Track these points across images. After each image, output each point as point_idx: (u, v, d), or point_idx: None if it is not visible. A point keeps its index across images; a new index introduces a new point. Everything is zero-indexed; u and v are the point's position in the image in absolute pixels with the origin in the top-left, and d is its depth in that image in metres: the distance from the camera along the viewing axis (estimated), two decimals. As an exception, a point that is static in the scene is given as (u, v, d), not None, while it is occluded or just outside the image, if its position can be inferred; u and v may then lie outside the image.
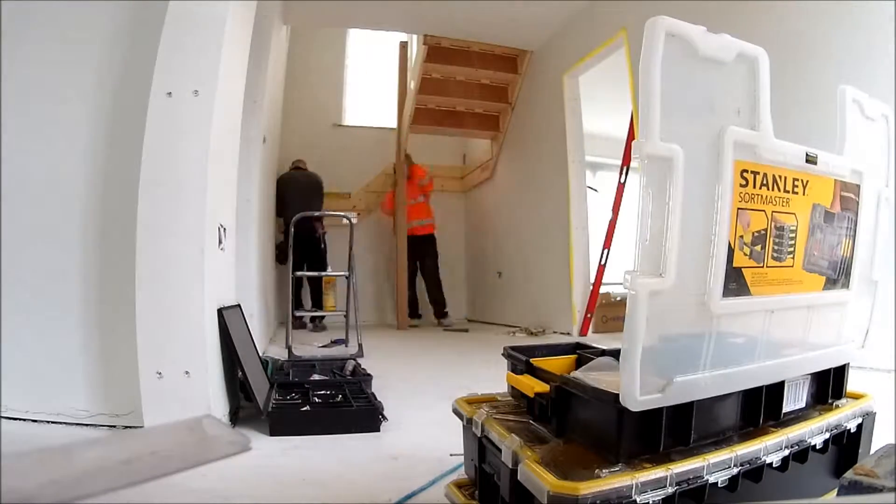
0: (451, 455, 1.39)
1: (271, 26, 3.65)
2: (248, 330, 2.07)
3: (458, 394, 1.08)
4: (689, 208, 0.70)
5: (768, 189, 0.80)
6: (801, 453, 0.85)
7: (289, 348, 3.27)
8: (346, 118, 6.92)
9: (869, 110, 0.96)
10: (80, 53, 1.84)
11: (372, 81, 6.95)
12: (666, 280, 0.68)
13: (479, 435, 0.91)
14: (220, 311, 1.76)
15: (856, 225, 0.96)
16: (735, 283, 0.77)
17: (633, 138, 3.71)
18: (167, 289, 1.64)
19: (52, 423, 1.68)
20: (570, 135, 4.68)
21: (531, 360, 0.98)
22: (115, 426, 1.68)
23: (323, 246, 5.26)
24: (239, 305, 2.07)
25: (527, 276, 5.46)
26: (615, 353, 0.93)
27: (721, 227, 0.74)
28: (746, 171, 0.77)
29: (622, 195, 4.41)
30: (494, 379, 2.83)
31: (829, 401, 0.99)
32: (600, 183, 6.78)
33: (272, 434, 1.65)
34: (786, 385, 0.88)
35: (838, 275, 0.95)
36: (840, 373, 1.01)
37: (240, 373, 1.81)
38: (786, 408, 0.89)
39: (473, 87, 5.68)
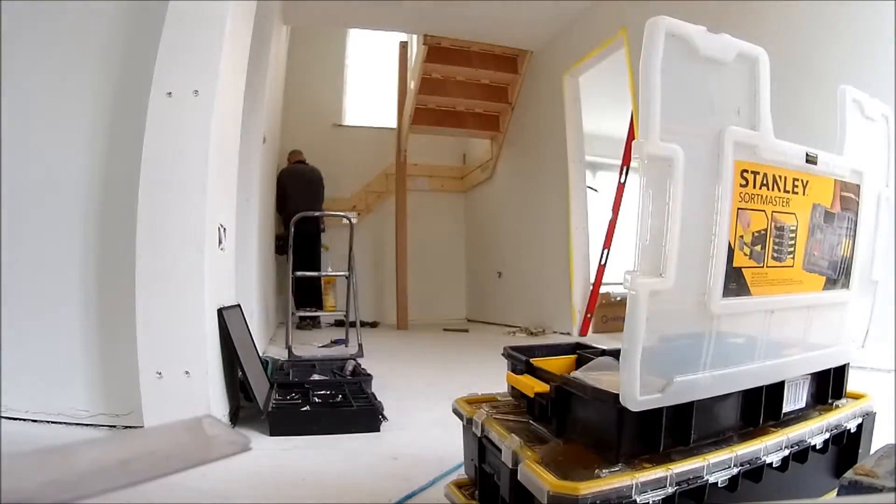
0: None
1: (271, 26, 3.65)
2: (248, 330, 2.07)
3: (458, 394, 1.08)
4: (689, 208, 0.70)
5: (768, 189, 0.80)
6: (801, 453, 0.85)
7: (289, 348, 3.27)
8: (346, 118, 6.93)
9: (869, 110, 0.96)
10: (80, 53, 1.84)
11: (372, 81, 6.96)
12: (666, 280, 0.68)
13: (479, 435, 0.91)
14: (220, 311, 1.76)
15: (856, 225, 0.96)
16: (735, 283, 0.77)
17: (633, 138, 3.72)
18: (167, 289, 1.64)
19: (52, 423, 1.68)
20: (570, 135, 4.68)
21: (531, 360, 0.98)
22: (115, 426, 1.68)
23: (318, 241, 5.25)
24: (239, 305, 2.07)
25: (527, 276, 5.46)
26: (615, 353, 0.93)
27: (721, 228, 0.74)
28: (746, 171, 0.77)
29: (622, 195, 4.43)
30: (494, 379, 2.83)
31: (829, 401, 0.98)
32: (600, 183, 6.79)
33: (272, 434, 1.65)
34: (786, 385, 0.88)
35: (838, 275, 0.95)
36: (840, 373, 1.00)
37: (240, 373, 1.81)
38: (786, 408, 0.89)
39: (473, 87, 5.68)
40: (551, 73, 4.95)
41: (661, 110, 0.67)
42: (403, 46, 5.98)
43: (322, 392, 2.01)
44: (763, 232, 0.80)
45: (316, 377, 2.28)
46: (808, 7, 2.49)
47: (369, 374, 2.29)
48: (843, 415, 0.95)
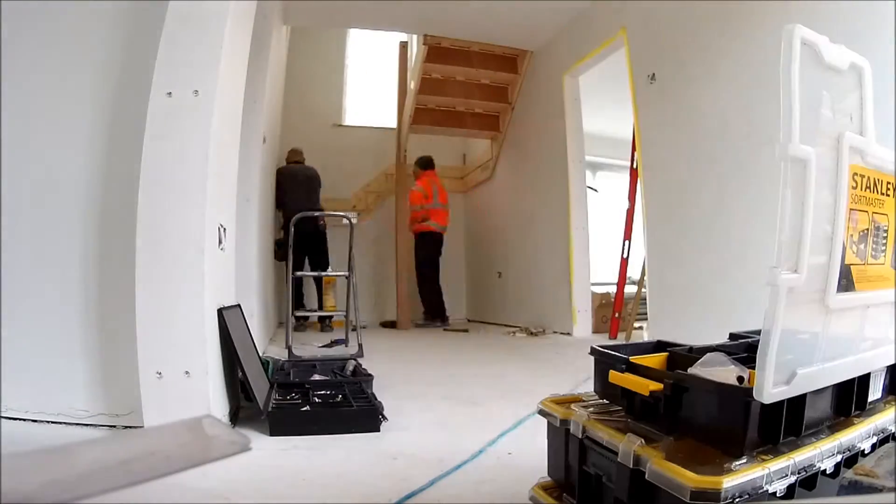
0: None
1: (271, 26, 3.65)
2: (248, 330, 2.07)
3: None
4: (816, 208, 0.75)
5: (871, 191, 0.87)
6: (883, 440, 0.90)
7: (289, 348, 3.27)
8: (346, 118, 6.93)
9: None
10: (80, 53, 1.84)
11: (372, 81, 6.96)
12: (801, 276, 0.73)
13: (580, 436, 0.92)
14: (220, 311, 1.76)
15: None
16: (845, 279, 0.82)
17: (638, 127, 3.71)
18: (167, 289, 1.64)
19: (52, 423, 1.68)
20: (570, 135, 4.68)
21: (630, 358, 1.00)
22: (115, 426, 1.68)
23: (324, 240, 5.24)
24: (239, 305, 2.07)
25: (527, 276, 5.46)
26: (702, 350, 1.00)
27: (839, 227, 0.80)
28: (857, 174, 0.84)
29: (637, 182, 4.03)
30: (495, 379, 2.83)
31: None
32: (600, 183, 6.79)
33: (272, 434, 1.65)
34: (871, 376, 0.93)
35: None
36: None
37: (240, 373, 1.81)
38: (870, 398, 0.94)
39: (473, 87, 5.68)
40: (551, 73, 4.95)
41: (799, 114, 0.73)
42: (403, 46, 5.98)
43: (322, 392, 2.01)
44: (866, 231, 0.86)
45: (316, 377, 2.29)
46: (808, 7, 2.49)
47: (370, 375, 2.29)
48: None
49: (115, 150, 1.80)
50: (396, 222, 5.94)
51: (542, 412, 1.04)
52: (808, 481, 0.75)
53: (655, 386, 0.87)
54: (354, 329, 3.60)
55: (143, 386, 1.60)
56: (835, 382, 0.86)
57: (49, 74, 1.83)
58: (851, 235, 0.83)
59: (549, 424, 1.02)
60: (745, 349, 1.04)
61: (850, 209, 0.82)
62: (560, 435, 0.99)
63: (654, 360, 1.04)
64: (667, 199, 3.49)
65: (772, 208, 0.80)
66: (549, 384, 2.46)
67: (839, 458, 0.79)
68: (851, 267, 0.84)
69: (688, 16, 3.22)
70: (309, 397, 1.94)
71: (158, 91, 1.67)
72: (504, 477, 1.32)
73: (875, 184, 0.88)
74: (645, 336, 4.22)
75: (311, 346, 3.89)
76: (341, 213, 3.86)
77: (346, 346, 3.83)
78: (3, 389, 1.69)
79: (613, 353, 1.03)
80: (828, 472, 0.78)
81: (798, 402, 0.79)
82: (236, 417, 1.81)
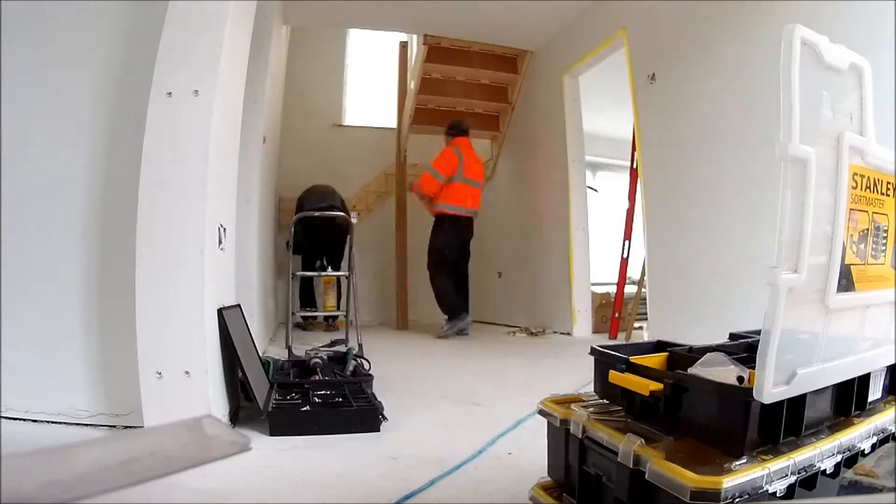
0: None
1: (271, 26, 3.65)
2: (248, 330, 2.07)
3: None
4: (816, 208, 0.75)
5: (871, 191, 0.87)
6: (883, 440, 0.91)
7: (289, 348, 3.27)
8: (346, 118, 6.92)
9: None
10: (80, 53, 1.84)
11: (372, 81, 6.95)
12: (801, 276, 0.74)
13: (580, 436, 0.92)
14: (220, 311, 1.76)
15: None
16: (845, 279, 0.82)
17: (638, 127, 3.72)
18: (167, 289, 1.64)
19: (52, 423, 1.68)
20: (570, 135, 4.68)
21: (630, 358, 1.00)
22: (115, 426, 1.69)
23: (342, 237, 4.81)
24: (239, 305, 2.07)
25: (527, 276, 5.46)
26: (702, 350, 1.00)
27: (839, 227, 0.80)
28: (857, 174, 0.84)
29: (637, 182, 4.02)
30: (495, 378, 2.83)
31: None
32: (600, 183, 6.79)
33: (272, 434, 1.65)
34: (871, 376, 0.94)
35: None
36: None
37: (240, 373, 1.81)
38: (870, 398, 0.95)
39: (473, 87, 5.68)
40: (551, 73, 4.95)
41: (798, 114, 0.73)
42: (403, 46, 5.97)
43: (322, 392, 2.01)
44: (866, 231, 0.87)
45: (317, 360, 2.29)
46: (808, 7, 2.49)
47: (370, 374, 2.29)
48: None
49: (115, 150, 1.80)
50: (397, 222, 5.94)
51: (542, 412, 1.04)
52: (808, 481, 0.76)
53: (655, 386, 0.87)
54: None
55: (143, 386, 1.60)
56: (835, 382, 0.86)
57: (49, 74, 1.83)
58: (851, 235, 0.83)
59: (549, 424, 1.02)
60: (745, 349, 1.05)
61: (850, 209, 0.83)
62: (560, 435, 0.99)
63: (654, 360, 1.04)
64: (667, 199, 3.49)
65: (771, 208, 0.80)
66: (548, 384, 2.46)
67: (839, 458, 0.79)
68: (851, 267, 0.84)
69: (688, 16, 3.22)
70: (309, 397, 1.94)
71: (158, 91, 1.67)
72: (504, 477, 1.32)
73: (875, 184, 0.88)
74: (645, 336, 4.22)
75: (311, 346, 3.88)
76: (341, 214, 3.85)
77: (346, 346, 3.83)
78: (3, 389, 1.69)
79: (613, 353, 1.03)
80: (828, 472, 0.78)
81: (798, 402, 0.79)
82: (236, 417, 1.81)
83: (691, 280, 3.24)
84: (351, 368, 2.39)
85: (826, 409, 0.88)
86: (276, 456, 1.50)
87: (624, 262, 4.38)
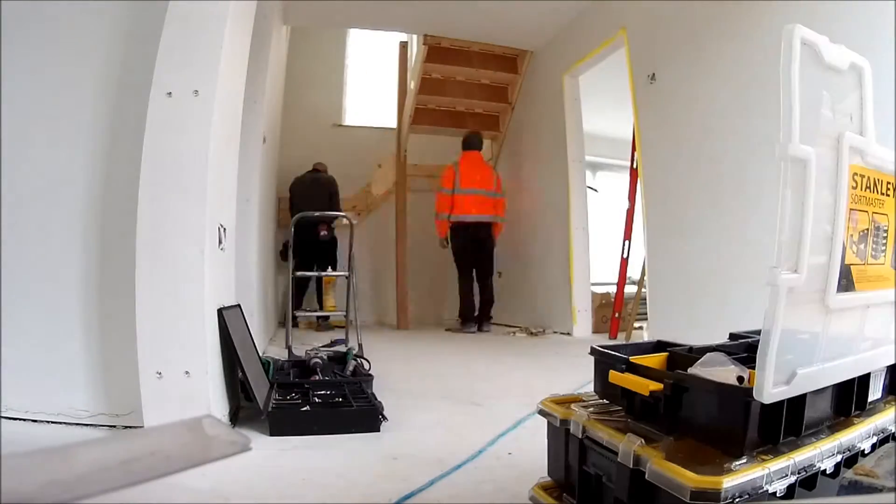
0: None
1: (271, 26, 3.65)
2: (248, 330, 2.07)
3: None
4: (816, 208, 0.76)
5: (870, 191, 0.87)
6: (883, 440, 0.91)
7: (289, 348, 3.27)
8: (346, 118, 6.92)
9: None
10: (80, 53, 1.84)
11: (372, 81, 6.95)
12: (801, 276, 0.74)
13: (580, 436, 0.92)
14: (220, 311, 1.76)
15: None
16: (845, 279, 0.83)
17: (638, 127, 3.71)
18: (167, 289, 1.64)
19: (52, 423, 1.68)
20: (570, 135, 4.68)
21: (630, 358, 1.00)
22: (115, 426, 1.69)
23: (332, 248, 5.05)
24: (239, 305, 2.07)
25: (527, 276, 5.46)
26: (702, 350, 1.00)
27: (839, 227, 0.80)
28: (857, 175, 0.84)
29: (637, 182, 4.05)
30: (495, 378, 2.83)
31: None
32: (600, 183, 6.79)
33: (272, 434, 1.65)
34: (871, 376, 0.94)
35: None
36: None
37: (240, 373, 1.81)
38: (870, 398, 0.95)
39: (473, 87, 5.68)
40: (551, 73, 4.95)
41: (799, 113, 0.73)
42: (403, 46, 5.97)
43: (322, 392, 2.01)
44: (866, 231, 0.87)
45: (318, 360, 2.29)
46: (808, 7, 2.49)
47: (370, 374, 2.29)
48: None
49: (115, 150, 1.80)
50: (397, 222, 5.93)
51: (542, 412, 1.04)
52: (808, 481, 0.76)
53: (655, 386, 0.87)
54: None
55: (143, 386, 1.60)
56: (835, 382, 0.86)
57: (49, 74, 1.83)
58: (851, 235, 0.84)
59: (549, 424, 1.02)
60: (745, 349, 1.05)
61: (850, 209, 0.83)
62: (560, 435, 0.99)
63: (654, 360, 1.04)
64: (667, 199, 3.49)
65: (771, 208, 0.80)
66: (549, 384, 2.46)
67: (839, 458, 0.79)
68: (851, 267, 0.84)
69: (688, 16, 3.22)
70: (309, 397, 1.94)
71: (158, 91, 1.67)
72: (504, 477, 1.32)
73: (875, 184, 0.88)
74: (645, 336, 4.22)
75: (311, 346, 3.89)
76: (341, 214, 3.85)
77: (346, 346, 3.83)
78: (3, 389, 1.69)
79: (613, 353, 1.03)
80: (828, 472, 0.78)
81: (798, 402, 0.79)
82: (236, 417, 1.81)
83: (691, 280, 3.24)
84: (351, 368, 2.39)
85: (826, 409, 0.88)
86: (276, 456, 1.50)
87: (624, 262, 4.38)
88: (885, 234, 0.92)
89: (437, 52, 5.17)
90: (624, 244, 4.38)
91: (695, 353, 1.00)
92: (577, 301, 4.54)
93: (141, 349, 1.60)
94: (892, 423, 0.92)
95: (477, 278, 5.10)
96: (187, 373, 1.61)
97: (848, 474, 0.80)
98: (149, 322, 1.62)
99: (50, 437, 1.57)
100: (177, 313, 1.64)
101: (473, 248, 5.02)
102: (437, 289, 6.67)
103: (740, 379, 0.84)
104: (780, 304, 0.72)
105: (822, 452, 0.77)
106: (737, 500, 0.67)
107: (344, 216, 3.68)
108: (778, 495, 0.72)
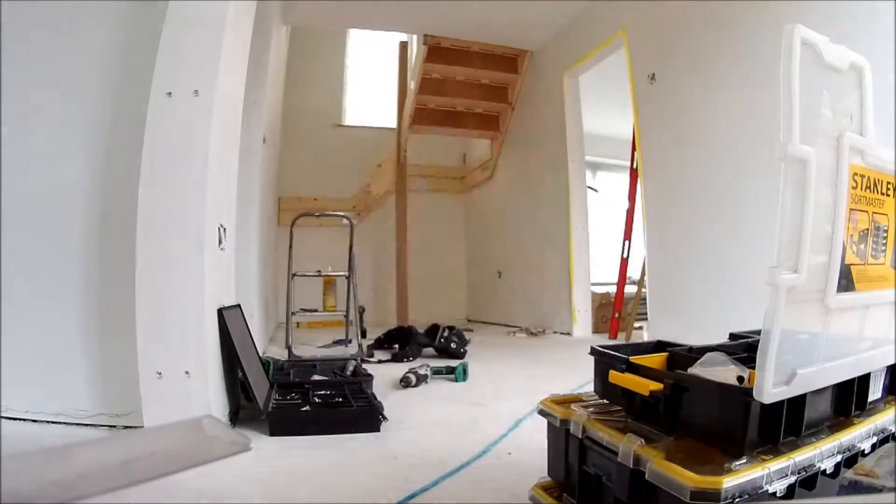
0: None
1: (271, 26, 3.65)
2: (248, 330, 2.07)
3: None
4: (816, 207, 0.75)
5: (871, 191, 0.87)
6: (884, 440, 0.91)
7: (289, 348, 3.27)
8: (346, 118, 6.92)
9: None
10: (80, 53, 1.84)
11: (372, 81, 6.95)
12: (801, 276, 0.73)
13: (580, 436, 0.92)
14: (220, 311, 1.76)
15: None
16: (845, 279, 0.83)
17: (638, 127, 3.71)
18: (167, 289, 1.64)
19: (52, 423, 1.68)
20: (570, 135, 4.68)
21: (630, 358, 1.00)
22: (115, 426, 1.68)
23: None
24: (239, 305, 2.07)
25: (527, 276, 5.46)
26: (702, 350, 1.00)
27: (839, 227, 0.80)
28: (857, 174, 0.84)
29: (637, 182, 4.04)
30: (495, 378, 2.83)
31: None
32: (600, 183, 6.79)
33: (272, 434, 1.65)
34: (871, 376, 0.93)
35: None
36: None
37: (240, 373, 1.81)
38: (870, 398, 0.94)
39: (473, 87, 5.68)
40: (551, 73, 4.95)
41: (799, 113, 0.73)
42: (403, 46, 5.97)
43: (322, 392, 2.01)
44: (866, 231, 0.87)
45: (316, 377, 2.28)
46: (808, 7, 2.49)
47: (370, 375, 2.29)
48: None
49: (115, 150, 1.80)
50: (397, 222, 5.94)
51: (542, 412, 1.04)
52: (808, 481, 0.76)
53: (655, 386, 0.87)
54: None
55: (143, 386, 1.60)
56: (835, 382, 0.86)
57: (49, 74, 1.83)
58: (851, 235, 0.83)
59: (549, 424, 1.02)
60: (745, 349, 1.05)
61: (850, 209, 0.82)
62: (560, 435, 0.99)
63: (654, 360, 1.04)
64: (667, 199, 3.49)
65: (771, 208, 0.80)
66: (548, 384, 2.46)
67: (839, 458, 0.79)
68: (851, 267, 0.84)
69: (688, 16, 3.22)
70: (309, 397, 1.94)
71: (158, 91, 1.68)
72: (504, 477, 1.32)
73: (875, 184, 0.88)
74: (645, 336, 4.22)
75: (311, 346, 3.89)
76: (340, 214, 3.86)
77: (347, 346, 3.83)
78: (3, 389, 1.69)
79: (613, 353, 1.03)
80: (828, 472, 0.78)
81: (798, 402, 0.79)
82: (236, 417, 1.81)
83: (691, 280, 3.24)
84: (351, 368, 2.39)
85: (826, 409, 0.88)
86: (276, 456, 1.50)
87: (624, 262, 4.38)
88: (885, 234, 0.92)
89: (437, 52, 5.17)
90: (624, 244, 4.38)
91: (695, 353, 1.00)
92: (577, 301, 4.54)
93: (141, 349, 1.60)
94: (892, 423, 0.92)
95: None
96: (187, 373, 1.61)
97: (848, 474, 0.80)
98: (149, 322, 1.62)
99: (50, 437, 1.57)
100: (177, 313, 1.64)
101: None
102: (437, 289, 6.68)
103: (740, 379, 0.84)
104: (780, 303, 0.72)
105: (822, 452, 0.77)
106: (737, 500, 0.67)
107: (344, 216, 3.68)
108: (778, 495, 0.72)
